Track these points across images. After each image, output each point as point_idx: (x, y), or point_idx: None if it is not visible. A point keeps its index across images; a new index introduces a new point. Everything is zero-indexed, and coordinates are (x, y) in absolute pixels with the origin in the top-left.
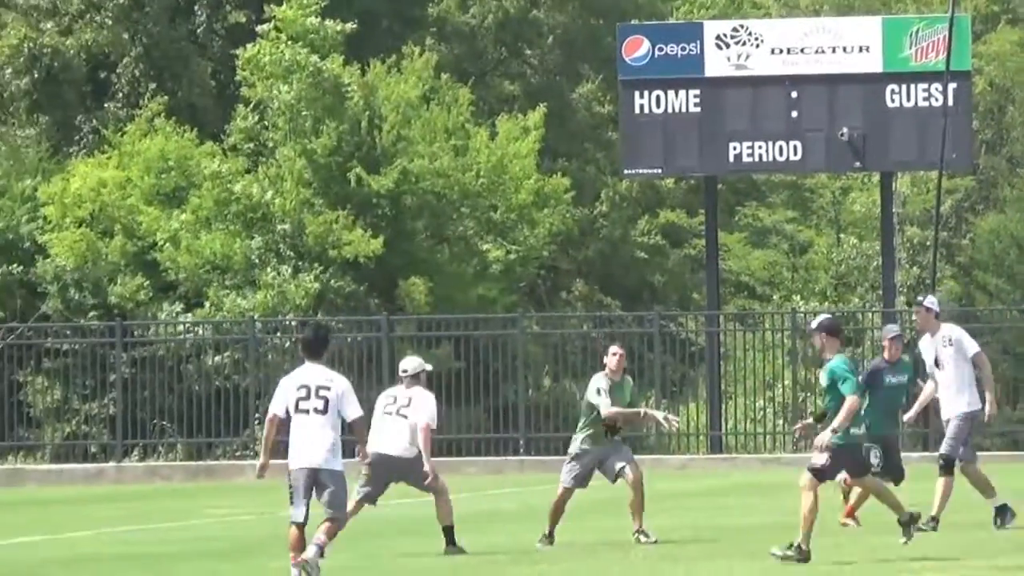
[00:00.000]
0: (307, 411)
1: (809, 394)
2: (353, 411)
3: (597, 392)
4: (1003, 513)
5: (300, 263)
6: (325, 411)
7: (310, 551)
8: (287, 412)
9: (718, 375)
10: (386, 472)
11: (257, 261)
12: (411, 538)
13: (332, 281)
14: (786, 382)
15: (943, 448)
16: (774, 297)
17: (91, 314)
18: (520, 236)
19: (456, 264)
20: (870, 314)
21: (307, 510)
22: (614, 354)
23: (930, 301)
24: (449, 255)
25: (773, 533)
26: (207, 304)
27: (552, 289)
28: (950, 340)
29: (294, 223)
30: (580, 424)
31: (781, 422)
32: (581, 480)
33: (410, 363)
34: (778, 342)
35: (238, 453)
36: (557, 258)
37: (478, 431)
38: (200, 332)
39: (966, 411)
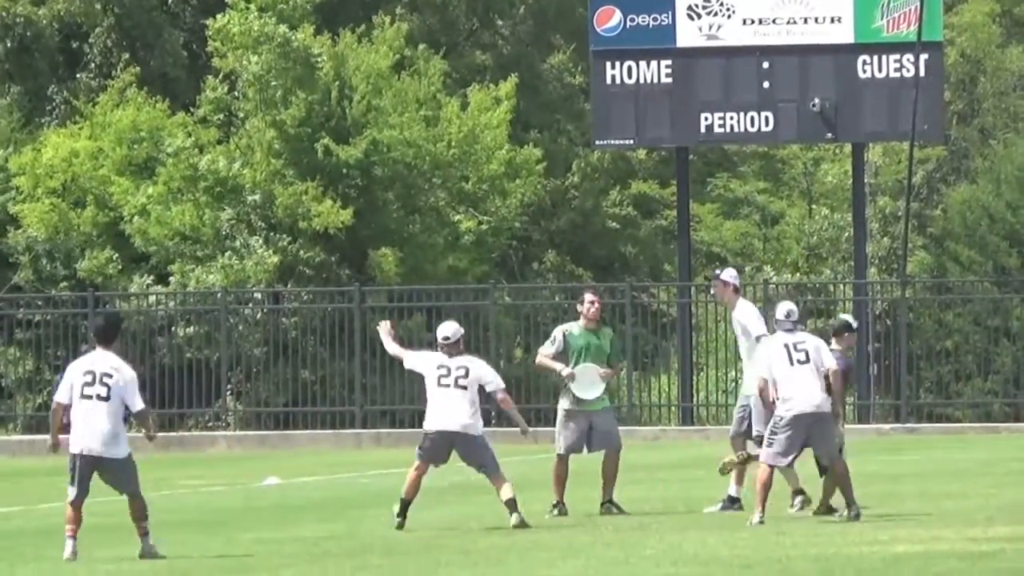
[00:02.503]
0: (91, 397)
1: None
2: (137, 402)
3: (551, 341)
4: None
5: (271, 234)
6: (107, 398)
7: (144, 545)
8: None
9: (690, 346)
10: (447, 446)
11: (227, 233)
12: (390, 508)
13: (301, 252)
14: None
15: (756, 430)
16: (746, 268)
17: (62, 285)
18: (491, 207)
19: (427, 235)
20: (841, 285)
21: (83, 490)
22: (591, 302)
23: (728, 275)
24: (420, 226)
25: (745, 505)
26: (172, 280)
27: (523, 260)
28: (739, 320)
29: (264, 194)
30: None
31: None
32: (576, 447)
33: (449, 329)
34: None
35: (210, 424)
36: (528, 229)
37: None
38: (171, 304)
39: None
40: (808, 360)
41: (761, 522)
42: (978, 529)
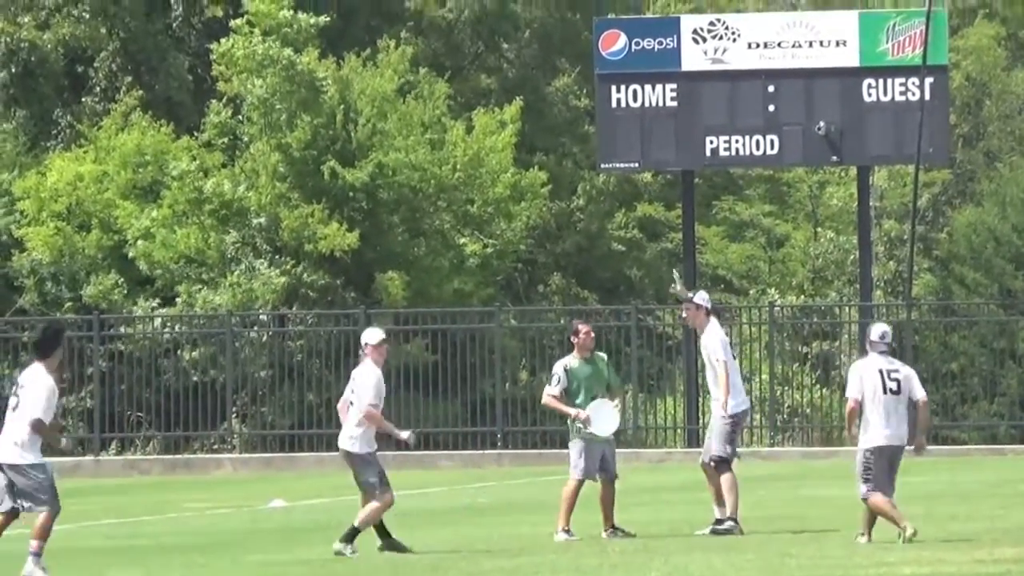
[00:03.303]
0: (12, 407)
1: (786, 388)
2: (33, 411)
3: (555, 380)
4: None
5: (276, 257)
6: (16, 408)
7: (27, 566)
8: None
9: (695, 369)
10: (346, 464)
11: (232, 255)
12: (396, 530)
13: (306, 275)
14: (763, 376)
15: (714, 451)
16: (751, 291)
17: (66, 307)
18: (497, 230)
19: (432, 258)
20: (847, 308)
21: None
22: (585, 333)
23: (700, 297)
24: (425, 249)
25: (750, 526)
26: (179, 301)
27: (529, 283)
28: (704, 345)
29: (270, 217)
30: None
31: (758, 416)
32: (593, 473)
33: (372, 335)
34: (755, 336)
35: (215, 447)
36: (534, 252)
37: (455, 425)
38: (177, 327)
39: (724, 413)
40: (899, 391)
41: (915, 533)
42: (984, 551)
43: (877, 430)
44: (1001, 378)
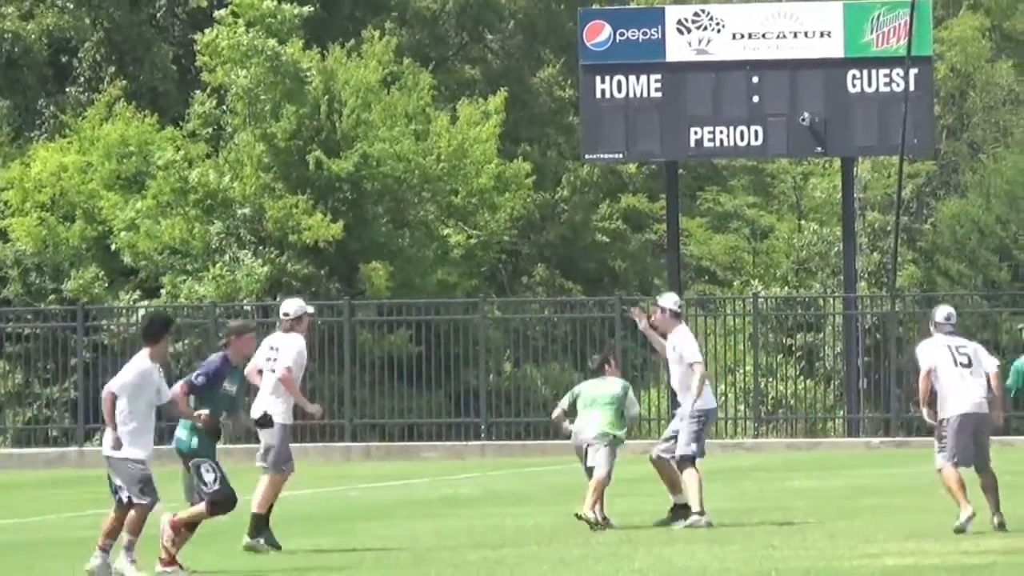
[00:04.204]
0: None
1: (770, 379)
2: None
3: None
4: (677, 512)
5: (260, 248)
6: None
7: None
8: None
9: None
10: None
11: (216, 246)
12: (380, 521)
13: (289, 265)
14: (747, 367)
15: (679, 450)
16: (735, 282)
17: (50, 299)
18: (481, 220)
19: (417, 248)
20: (831, 299)
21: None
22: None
23: (666, 300)
24: (410, 239)
25: (734, 517)
26: (163, 292)
27: (513, 274)
28: (675, 347)
29: (254, 208)
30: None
31: (743, 407)
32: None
33: (290, 305)
34: (739, 327)
35: None
36: (518, 243)
37: (439, 416)
38: None
39: (691, 410)
40: (970, 364)
41: (971, 517)
42: (969, 543)
43: (960, 401)
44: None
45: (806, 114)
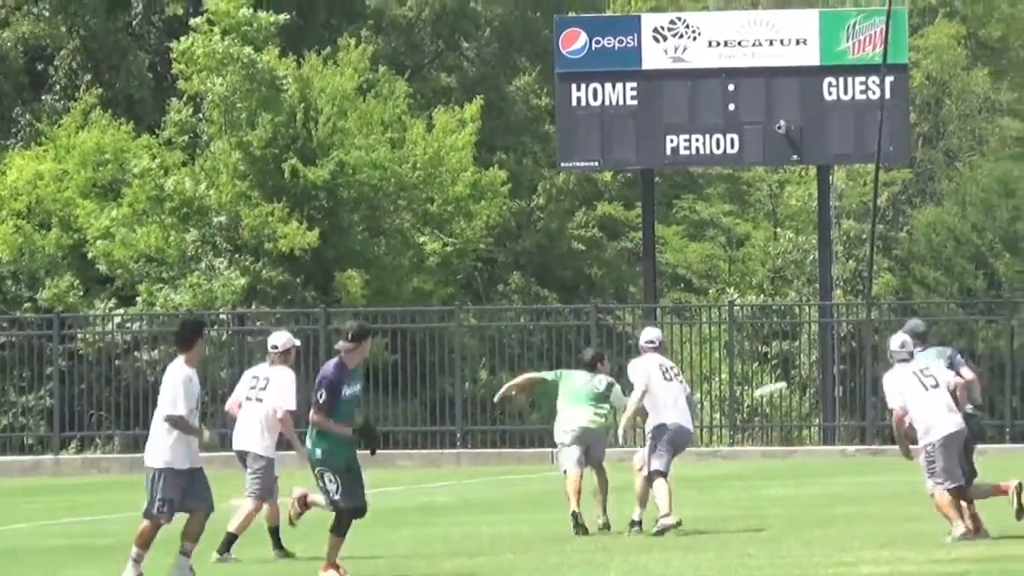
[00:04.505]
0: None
1: (746, 387)
2: (163, 407)
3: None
4: (635, 525)
5: (236, 256)
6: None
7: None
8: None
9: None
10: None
11: (192, 254)
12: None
13: (265, 273)
14: (723, 375)
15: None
16: (710, 290)
17: (26, 307)
18: (457, 228)
19: (392, 256)
20: (807, 307)
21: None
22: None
23: (649, 335)
24: (386, 247)
25: (710, 525)
26: (139, 300)
27: (489, 282)
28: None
29: (230, 216)
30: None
31: (718, 415)
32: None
33: (279, 338)
34: (715, 335)
35: None
36: (494, 251)
37: (414, 424)
38: (137, 326)
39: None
40: (939, 384)
41: (964, 534)
42: (943, 551)
43: (939, 425)
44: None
45: (782, 122)
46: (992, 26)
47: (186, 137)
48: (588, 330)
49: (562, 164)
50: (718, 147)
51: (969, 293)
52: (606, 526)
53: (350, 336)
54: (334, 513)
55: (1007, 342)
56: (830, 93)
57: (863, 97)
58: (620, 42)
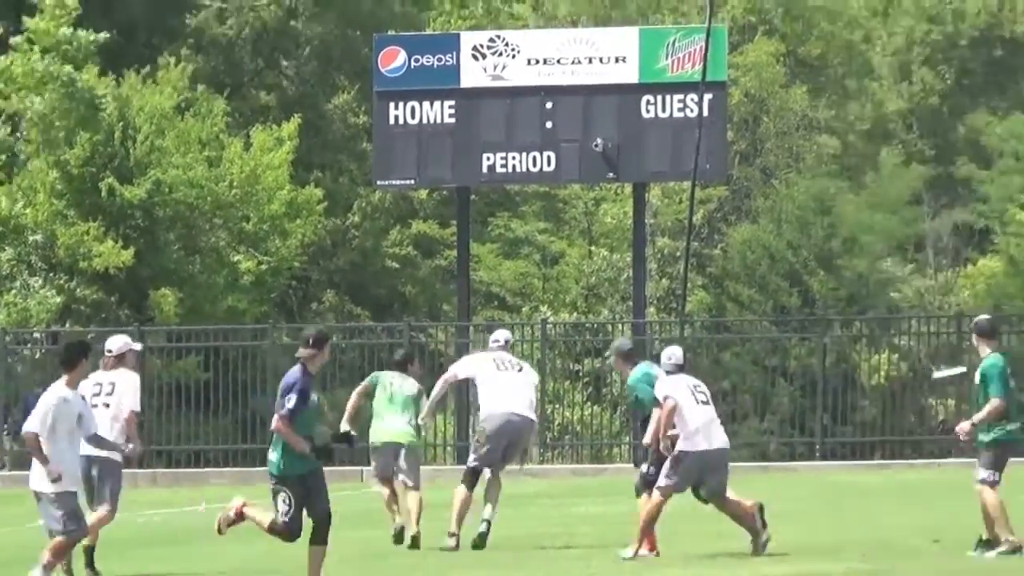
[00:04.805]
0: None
1: (558, 405)
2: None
3: None
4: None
5: (50, 275)
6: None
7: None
8: None
9: (466, 386)
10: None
11: (7, 272)
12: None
13: (79, 291)
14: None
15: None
16: (524, 308)
17: None
18: (272, 247)
19: (207, 275)
20: (620, 325)
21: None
22: None
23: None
24: (200, 266)
25: (518, 543)
26: None
27: (303, 300)
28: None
29: (46, 234)
30: None
31: None
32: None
33: (115, 342)
34: (527, 353)
35: None
36: (308, 269)
37: (226, 442)
38: None
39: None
40: (708, 402)
41: (634, 557)
42: (747, 569)
43: (700, 437)
44: (772, 396)
45: (599, 140)
46: (811, 44)
47: (3, 156)
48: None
49: (378, 182)
50: (535, 165)
51: (783, 311)
52: (414, 541)
53: (311, 342)
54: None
55: (819, 360)
56: (648, 111)
57: (681, 115)
58: (439, 60)
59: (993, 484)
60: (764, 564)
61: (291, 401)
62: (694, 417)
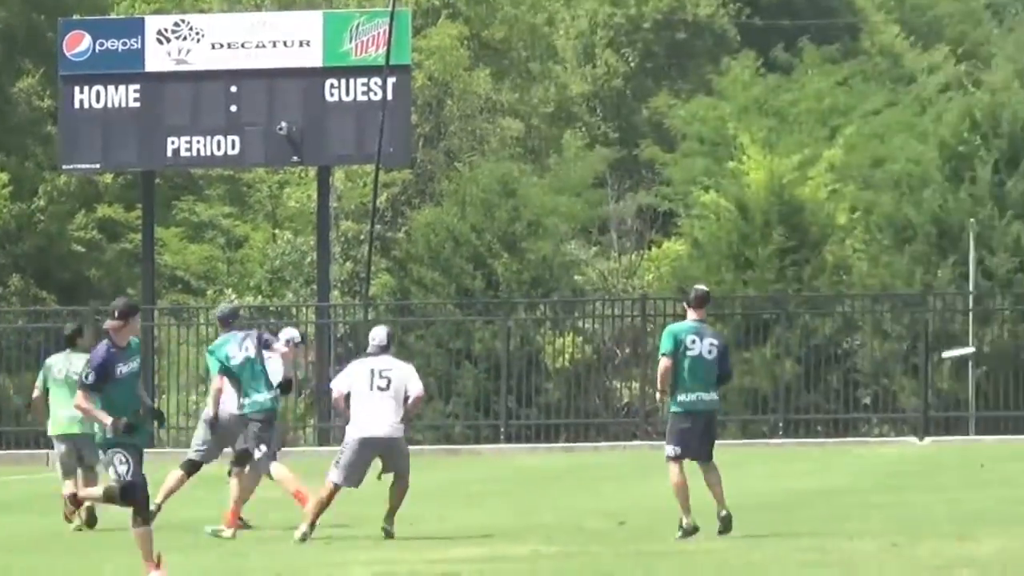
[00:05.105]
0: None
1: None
2: None
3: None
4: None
5: None
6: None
7: None
8: None
9: (152, 370)
10: None
11: None
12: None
13: None
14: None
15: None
16: (208, 291)
17: None
18: None
19: None
20: (304, 308)
21: None
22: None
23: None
24: None
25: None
26: None
27: None
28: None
29: None
30: None
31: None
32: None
33: None
34: (212, 337)
35: None
36: None
37: None
38: None
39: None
40: (388, 389)
41: (304, 538)
42: (436, 552)
43: (365, 424)
44: (457, 379)
45: (284, 123)
46: (495, 27)
47: None
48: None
49: (64, 166)
50: (219, 149)
51: (467, 294)
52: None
53: (116, 314)
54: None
55: (504, 343)
56: (332, 94)
57: (365, 98)
58: (124, 44)
59: (675, 459)
60: (451, 547)
61: (89, 376)
62: (362, 404)
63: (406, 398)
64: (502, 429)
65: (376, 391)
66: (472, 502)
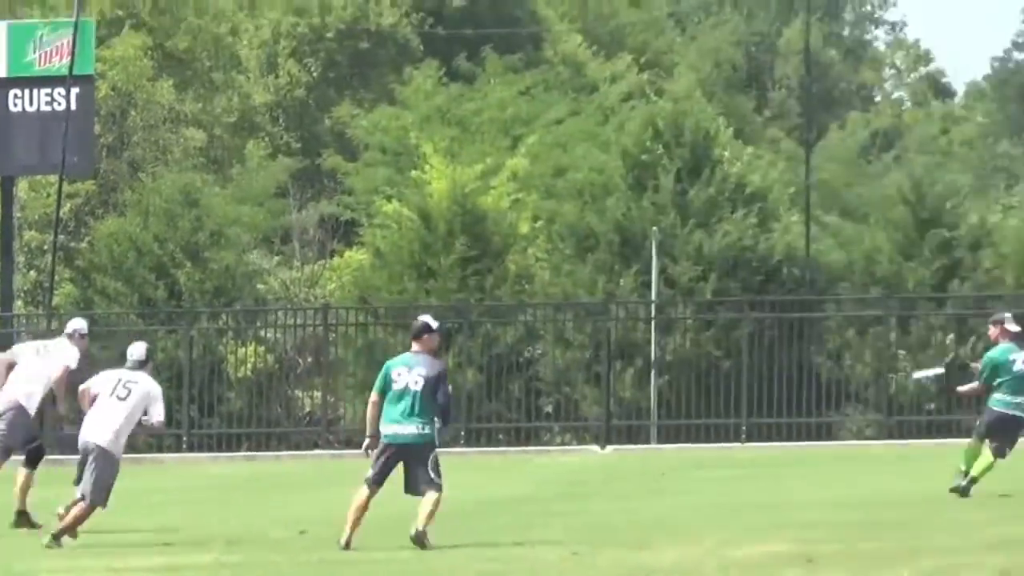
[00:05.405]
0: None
1: None
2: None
3: None
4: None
5: None
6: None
7: None
8: None
9: None
10: None
11: None
12: None
13: None
14: None
15: None
16: None
17: None
18: None
19: None
20: None
21: None
22: None
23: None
24: None
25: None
26: None
27: None
28: None
29: None
30: None
31: None
32: None
33: None
34: None
35: None
36: None
37: None
38: None
39: None
40: (126, 400)
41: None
42: (120, 560)
43: (86, 427)
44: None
45: None
46: (179, 37)
47: None
48: None
49: None
50: None
51: (150, 303)
52: None
53: None
54: None
55: (186, 352)
56: (16, 104)
57: (49, 108)
58: None
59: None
60: (133, 556)
61: None
62: (96, 408)
63: (146, 412)
64: (184, 438)
65: (114, 399)
66: (155, 511)
